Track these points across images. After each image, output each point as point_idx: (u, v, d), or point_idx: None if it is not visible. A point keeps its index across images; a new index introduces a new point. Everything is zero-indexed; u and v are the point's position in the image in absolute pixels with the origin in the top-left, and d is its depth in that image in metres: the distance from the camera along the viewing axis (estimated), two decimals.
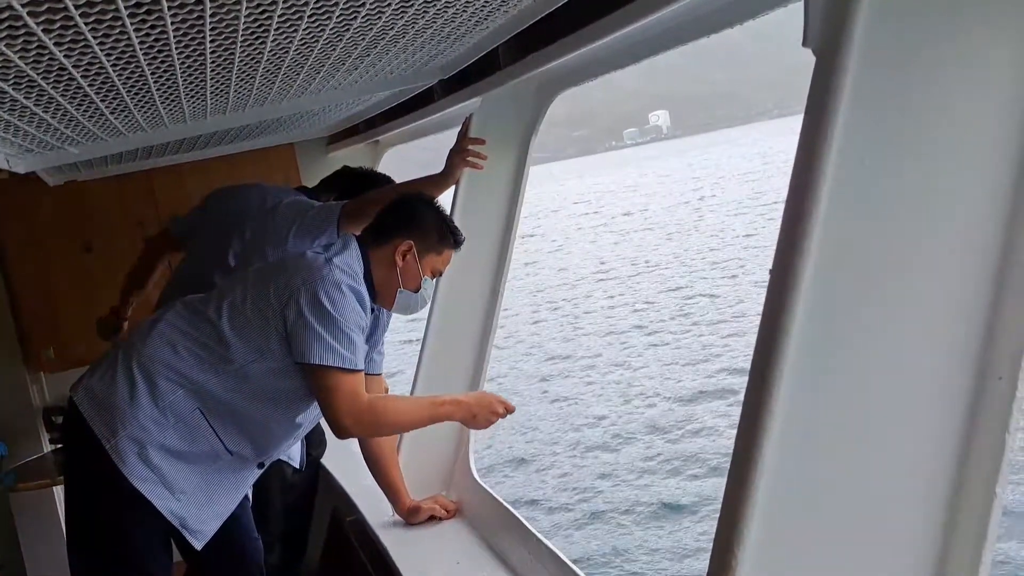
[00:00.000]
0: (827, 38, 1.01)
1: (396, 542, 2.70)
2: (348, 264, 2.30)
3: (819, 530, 1.14)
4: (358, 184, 3.04)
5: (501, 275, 2.84)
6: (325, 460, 3.50)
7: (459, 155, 2.69)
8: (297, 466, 3.10)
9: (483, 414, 2.35)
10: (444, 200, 2.87)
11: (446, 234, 2.45)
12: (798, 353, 1.05)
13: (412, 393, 2.92)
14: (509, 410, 2.39)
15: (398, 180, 3.03)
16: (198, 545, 2.33)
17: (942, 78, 1.03)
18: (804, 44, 1.04)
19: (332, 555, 3.55)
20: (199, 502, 2.31)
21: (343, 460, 3.55)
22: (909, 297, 1.09)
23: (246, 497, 2.57)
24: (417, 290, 2.41)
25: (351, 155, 4.27)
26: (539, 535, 2.37)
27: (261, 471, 2.46)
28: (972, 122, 1.03)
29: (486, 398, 2.39)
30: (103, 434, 2.23)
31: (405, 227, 2.41)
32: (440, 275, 2.50)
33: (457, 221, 2.82)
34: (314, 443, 3.44)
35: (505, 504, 2.61)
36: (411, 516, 2.71)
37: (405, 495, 2.71)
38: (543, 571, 2.30)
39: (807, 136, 1.03)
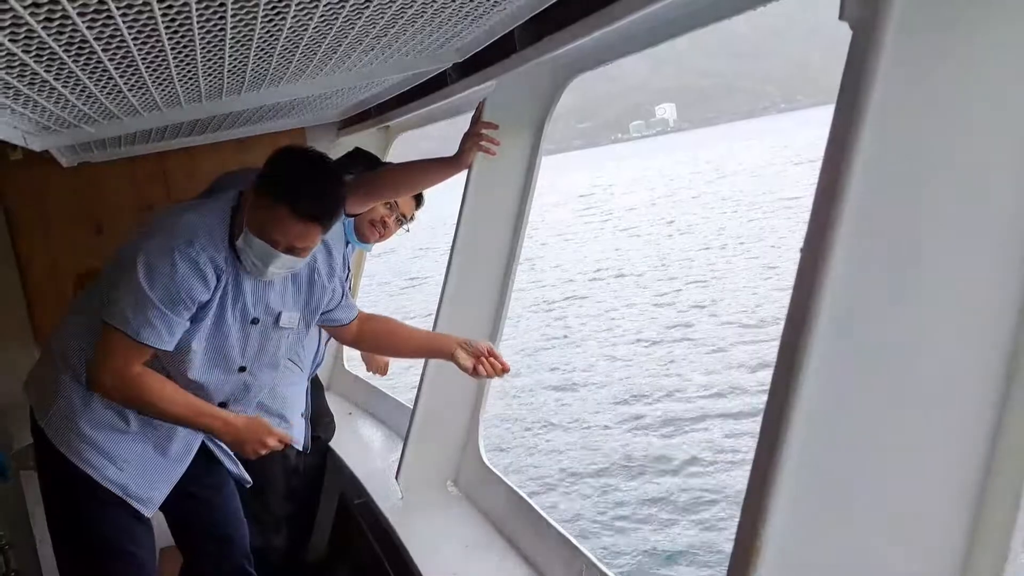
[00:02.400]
0: (865, 11, 1.00)
1: (405, 525, 2.71)
2: (201, 224, 2.16)
3: (843, 526, 1.14)
4: (367, 167, 3.04)
5: (512, 260, 2.84)
6: (333, 443, 3.52)
7: (472, 139, 2.69)
8: (300, 448, 3.10)
9: (251, 441, 2.25)
10: (456, 183, 2.89)
11: (278, 184, 2.11)
12: (826, 342, 1.05)
13: (419, 389, 2.90)
14: (284, 440, 2.30)
15: None
16: (148, 513, 2.33)
17: (982, 53, 1.02)
18: (841, 17, 1.03)
19: (340, 538, 3.57)
20: (142, 469, 2.30)
21: (352, 443, 3.57)
22: (941, 282, 1.08)
23: (231, 479, 2.55)
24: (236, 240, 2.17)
25: (362, 140, 4.25)
26: (550, 519, 2.38)
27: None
28: (1012, 99, 1.02)
29: (256, 424, 2.27)
30: (40, 417, 2.27)
31: (260, 174, 2.17)
32: (274, 240, 2.13)
33: (469, 205, 2.82)
34: (322, 426, 3.45)
35: (516, 488, 2.61)
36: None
37: (444, 338, 2.54)
38: (554, 556, 2.31)
39: (842, 111, 1.02)
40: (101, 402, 2.25)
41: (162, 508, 2.43)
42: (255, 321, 2.32)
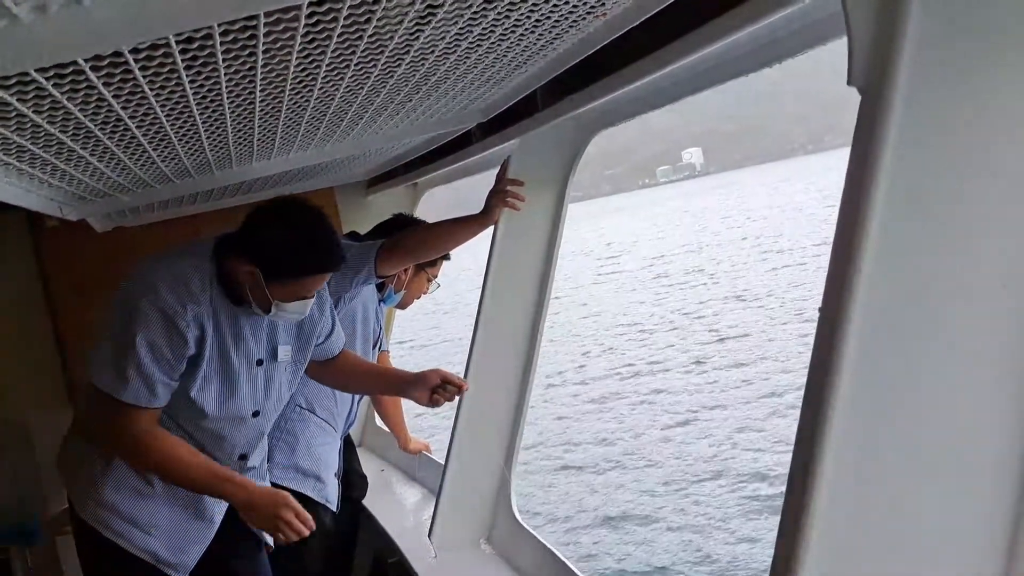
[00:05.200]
0: (872, 76, 1.02)
1: None
2: (185, 277, 2.11)
3: (881, 551, 1.13)
4: (402, 228, 3.09)
5: (540, 314, 2.85)
6: (367, 502, 3.51)
7: (498, 195, 2.72)
8: (334, 509, 3.10)
9: (266, 512, 2.14)
10: (483, 240, 2.91)
11: (304, 260, 2.13)
12: (851, 388, 1.05)
13: (449, 446, 2.90)
14: (303, 520, 2.13)
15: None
16: None
17: (987, 113, 1.04)
18: (849, 83, 1.05)
19: None
20: (171, 532, 2.26)
21: (384, 501, 3.56)
22: (959, 332, 1.08)
23: (261, 547, 2.50)
24: (268, 311, 2.15)
25: (390, 198, 4.32)
26: None
27: None
28: (1019, 155, 1.04)
29: (278, 498, 2.16)
30: (70, 489, 2.25)
31: (251, 249, 2.12)
32: (313, 295, 2.21)
33: (496, 261, 2.84)
34: (355, 485, 3.45)
35: (549, 546, 2.59)
36: None
37: (398, 375, 2.59)
38: None
39: (854, 173, 1.04)
40: (119, 465, 2.22)
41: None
42: (260, 362, 2.27)
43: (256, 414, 2.31)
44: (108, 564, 2.24)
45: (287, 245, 2.11)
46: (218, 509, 2.35)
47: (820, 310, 1.07)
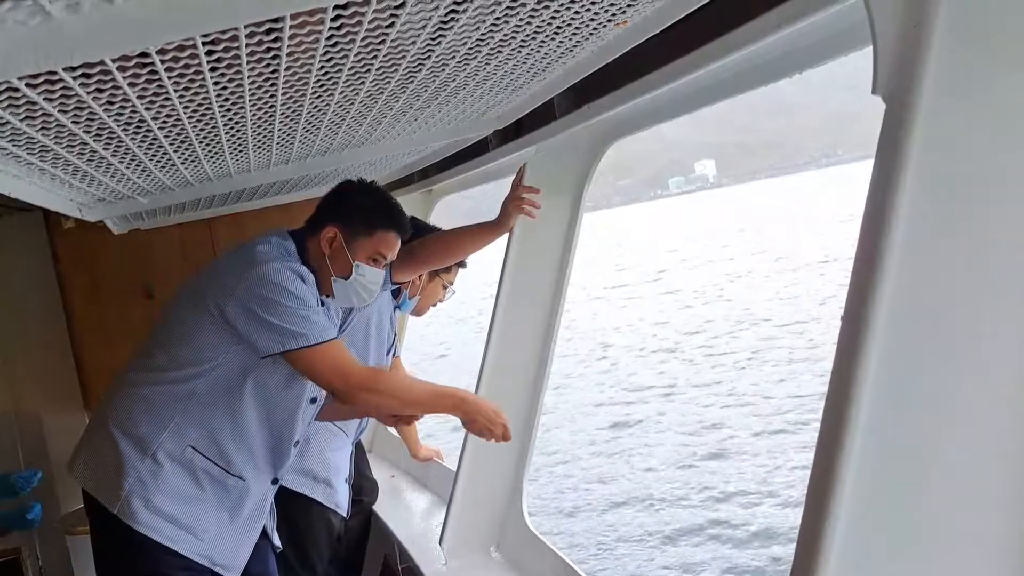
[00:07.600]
0: (897, 85, 1.02)
1: None
2: (279, 250, 2.23)
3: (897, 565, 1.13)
4: (417, 234, 3.09)
5: (554, 322, 2.85)
6: (377, 507, 3.51)
7: (514, 203, 2.72)
8: (344, 514, 3.11)
9: (483, 422, 2.30)
10: (498, 247, 2.92)
11: (374, 216, 2.35)
12: (873, 396, 1.05)
13: (461, 453, 2.90)
14: (507, 437, 2.32)
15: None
16: None
17: (1014, 121, 1.03)
18: (873, 91, 1.05)
19: None
20: (224, 535, 2.27)
21: (395, 507, 3.57)
22: (983, 341, 1.08)
23: (271, 549, 2.50)
24: (348, 277, 2.31)
25: (405, 203, 4.27)
26: None
27: (276, 487, 2.41)
28: None
29: (491, 410, 2.32)
30: (108, 501, 2.20)
31: (331, 213, 2.34)
32: (385, 260, 2.39)
33: (510, 269, 2.84)
34: (366, 490, 3.46)
35: (559, 553, 2.59)
36: None
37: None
38: None
39: (878, 183, 1.04)
40: (176, 475, 2.21)
41: None
42: None
43: (313, 400, 2.39)
44: (161, 569, 2.21)
45: (367, 202, 2.36)
46: (261, 508, 2.37)
47: (842, 319, 1.06)
